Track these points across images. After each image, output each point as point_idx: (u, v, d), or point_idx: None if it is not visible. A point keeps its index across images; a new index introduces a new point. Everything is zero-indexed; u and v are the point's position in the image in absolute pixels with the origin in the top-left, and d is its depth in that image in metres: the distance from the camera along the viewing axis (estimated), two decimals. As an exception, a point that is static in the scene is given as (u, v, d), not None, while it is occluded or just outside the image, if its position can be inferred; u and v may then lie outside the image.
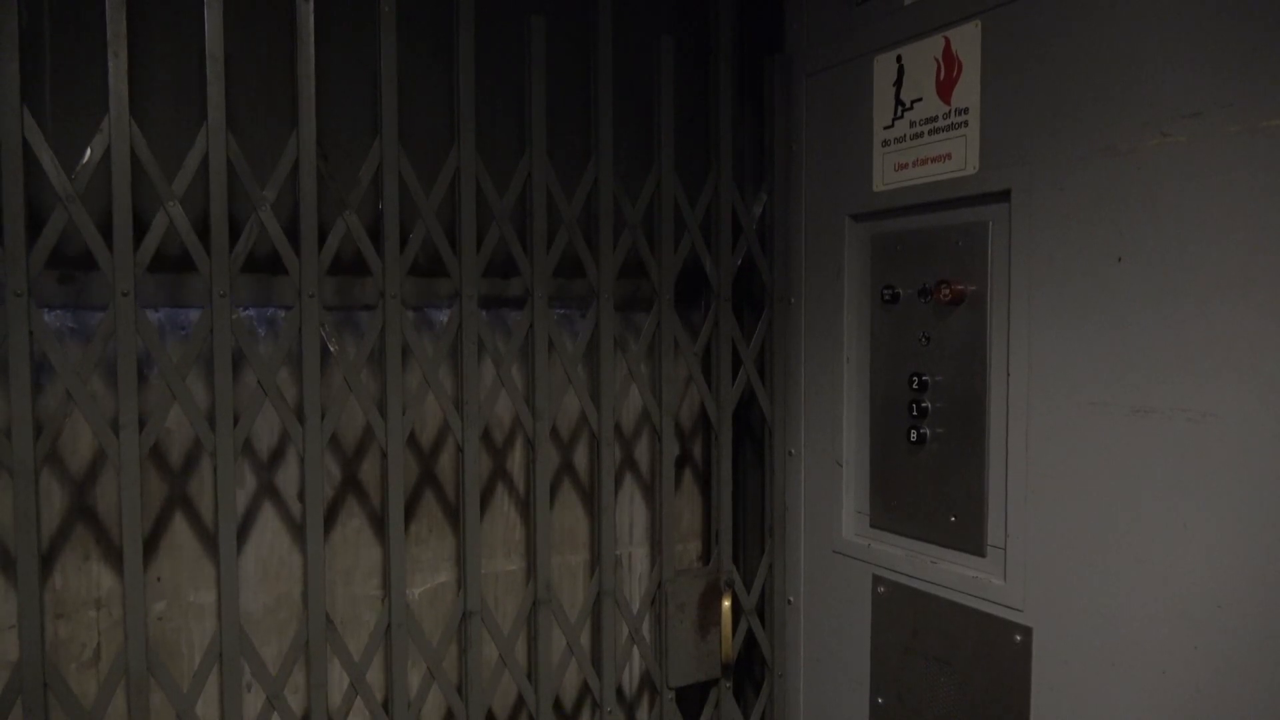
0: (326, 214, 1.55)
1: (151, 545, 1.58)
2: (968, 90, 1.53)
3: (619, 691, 1.99)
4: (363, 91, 1.65)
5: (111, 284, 1.39)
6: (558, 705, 1.95)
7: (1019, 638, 1.46)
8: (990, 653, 1.51)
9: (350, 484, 1.74)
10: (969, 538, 1.55)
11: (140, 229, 1.42)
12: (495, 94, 1.79)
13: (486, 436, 1.86)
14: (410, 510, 1.79)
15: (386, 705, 1.64)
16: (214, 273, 1.45)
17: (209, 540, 1.62)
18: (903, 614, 1.68)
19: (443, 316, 1.78)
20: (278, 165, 1.50)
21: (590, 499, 1.96)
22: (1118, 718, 1.32)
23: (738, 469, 2.05)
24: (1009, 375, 1.47)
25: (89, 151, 1.38)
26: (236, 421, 1.48)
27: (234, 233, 1.48)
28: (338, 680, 1.71)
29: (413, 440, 1.79)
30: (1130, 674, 1.30)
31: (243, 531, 1.65)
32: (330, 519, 1.72)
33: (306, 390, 1.52)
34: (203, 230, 1.45)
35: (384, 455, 1.60)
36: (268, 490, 1.67)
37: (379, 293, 1.58)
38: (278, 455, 1.68)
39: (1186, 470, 1.23)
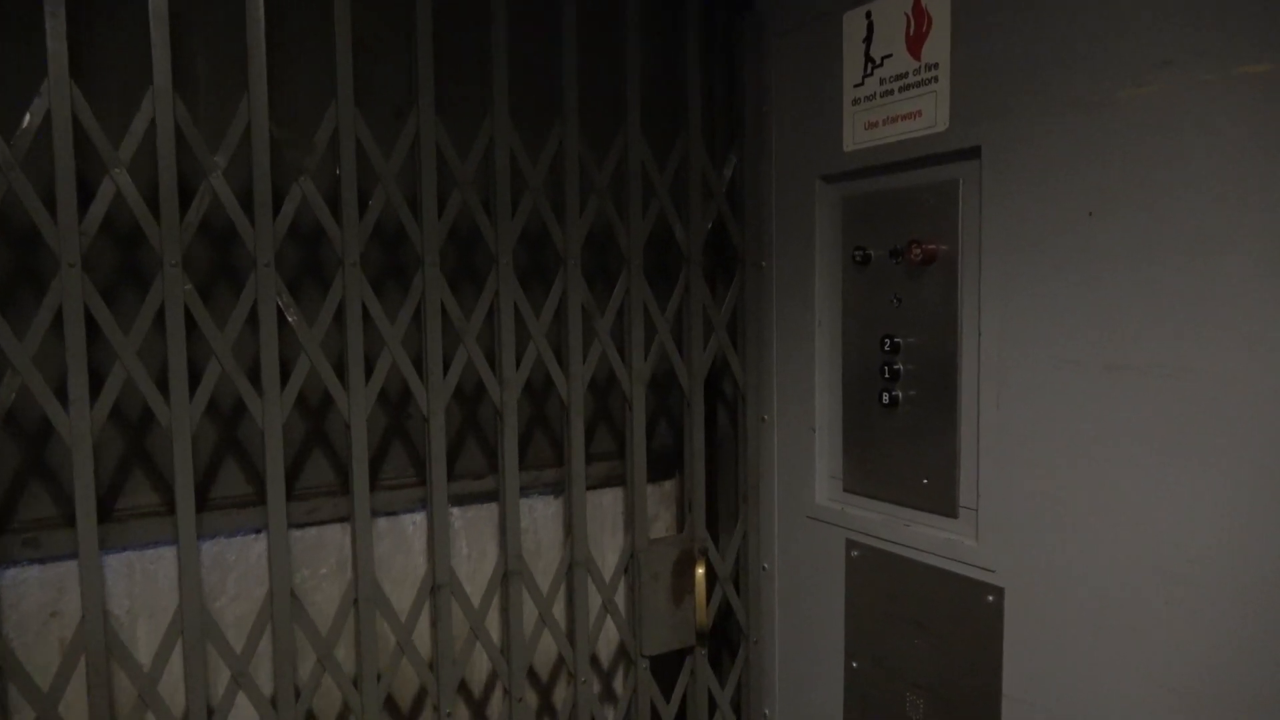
0: (282, 181, 1.51)
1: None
2: (938, 45, 1.50)
3: (595, 660, 1.98)
4: (317, 53, 1.59)
5: (57, 255, 1.34)
6: (533, 676, 1.93)
7: (991, 598, 1.45)
8: (963, 614, 1.50)
9: (313, 450, 1.71)
10: (942, 500, 1.54)
11: (86, 198, 1.37)
12: (457, 56, 1.74)
13: (454, 404, 1.82)
14: (374, 478, 1.76)
15: (356, 682, 1.62)
16: (164, 242, 1.40)
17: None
18: (877, 578, 1.67)
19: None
20: (229, 130, 1.45)
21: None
22: (1091, 675, 1.32)
23: (710, 436, 2.03)
24: (981, 335, 1.45)
25: (28, 116, 1.32)
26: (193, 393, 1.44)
27: (186, 201, 1.44)
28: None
29: (379, 408, 1.75)
30: (1103, 631, 1.30)
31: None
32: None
33: (264, 362, 1.48)
34: (153, 199, 1.41)
35: (347, 427, 1.57)
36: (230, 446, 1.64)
37: (338, 260, 1.54)
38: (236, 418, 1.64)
39: (1160, 426, 1.22)
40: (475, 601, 1.70)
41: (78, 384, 1.36)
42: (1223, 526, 1.16)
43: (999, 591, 1.44)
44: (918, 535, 1.58)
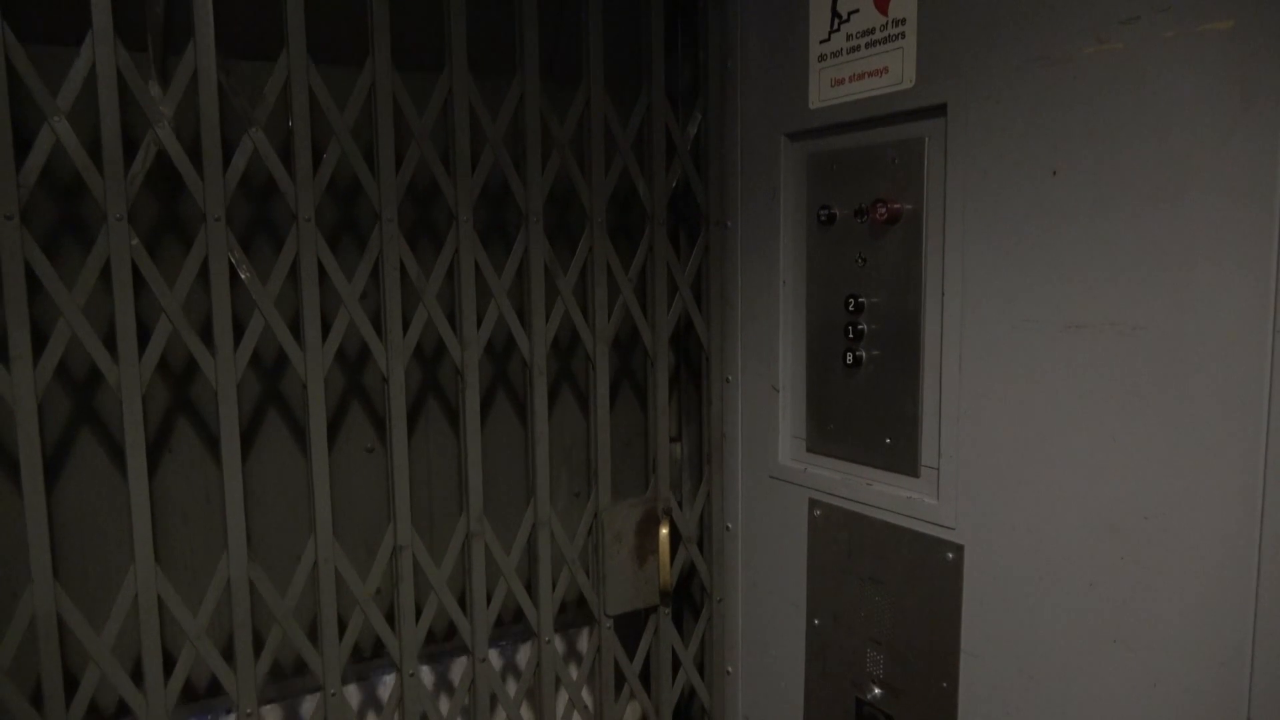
0: (232, 132, 1.46)
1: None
2: (905, 0, 1.48)
3: (558, 620, 1.98)
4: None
5: (-6, 206, 1.29)
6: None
7: (951, 556, 1.46)
8: (923, 572, 1.52)
9: (270, 411, 1.67)
10: (904, 459, 1.55)
11: (24, 147, 1.32)
12: (413, 3, 1.68)
13: (415, 364, 1.79)
14: (331, 443, 1.73)
15: (314, 638, 1.60)
16: (108, 195, 1.35)
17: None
18: (838, 537, 1.68)
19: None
20: (174, 77, 1.39)
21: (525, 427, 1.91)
22: (1046, 631, 1.34)
23: (674, 396, 2.03)
24: (944, 294, 1.45)
25: (-45, 61, 1.26)
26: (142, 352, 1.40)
27: (131, 152, 1.38)
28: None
29: (336, 369, 1.71)
30: (1059, 587, 1.32)
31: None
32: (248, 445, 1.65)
33: (217, 319, 1.44)
34: (95, 149, 1.35)
35: (304, 387, 1.53)
36: (184, 408, 1.60)
37: (291, 216, 1.49)
38: (186, 379, 1.60)
39: (1116, 384, 1.23)
40: (437, 561, 1.69)
41: (19, 340, 1.31)
42: (1172, 482, 1.17)
43: (959, 549, 1.45)
44: (880, 494, 1.59)
